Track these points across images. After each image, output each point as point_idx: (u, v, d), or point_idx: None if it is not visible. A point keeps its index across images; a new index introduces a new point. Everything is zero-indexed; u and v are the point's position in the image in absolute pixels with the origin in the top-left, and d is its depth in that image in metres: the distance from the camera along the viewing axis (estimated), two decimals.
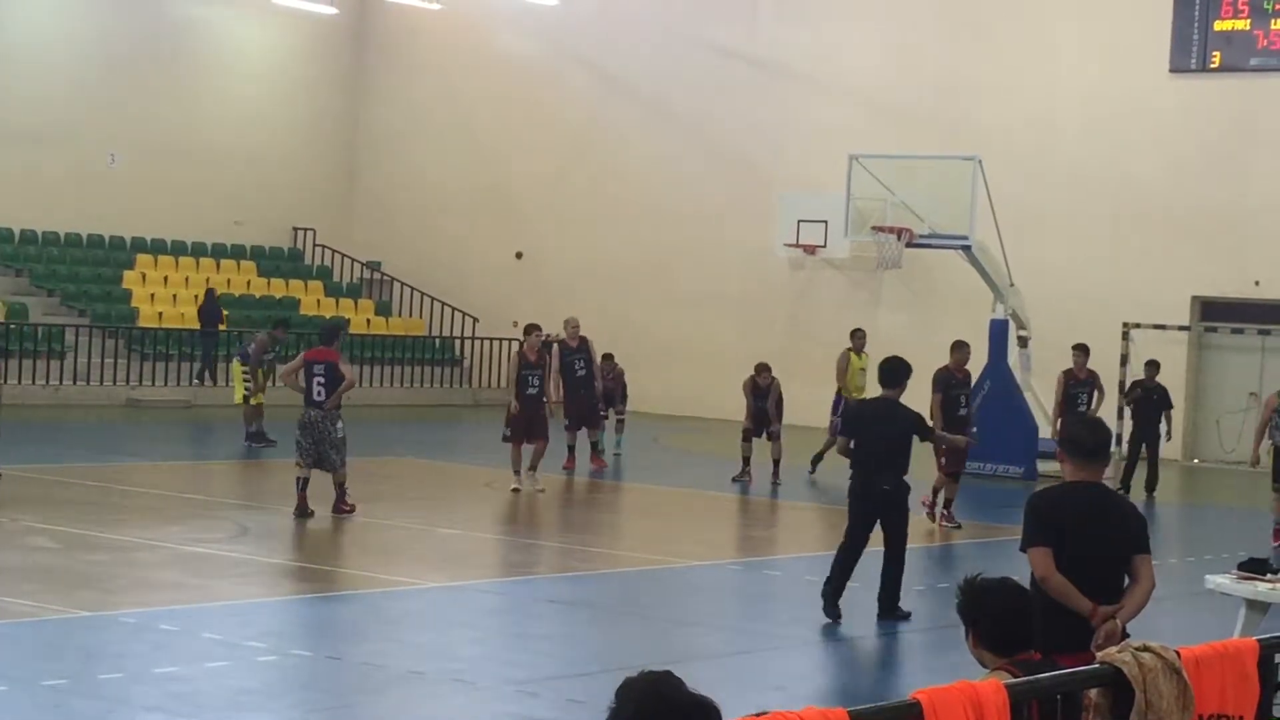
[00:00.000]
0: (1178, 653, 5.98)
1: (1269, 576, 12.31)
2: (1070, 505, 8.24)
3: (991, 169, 28.40)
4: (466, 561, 17.40)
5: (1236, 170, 32.66)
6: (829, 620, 14.65)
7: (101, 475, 22.55)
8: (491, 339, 39.69)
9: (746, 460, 25.11)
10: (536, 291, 40.01)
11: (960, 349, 22.18)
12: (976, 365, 23.44)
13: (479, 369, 39.90)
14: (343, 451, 19.11)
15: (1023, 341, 29.08)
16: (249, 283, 39.27)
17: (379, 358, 38.18)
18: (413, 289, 41.21)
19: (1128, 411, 27.14)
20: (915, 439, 15.21)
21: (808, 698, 11.08)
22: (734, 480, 24.73)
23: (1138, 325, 32.80)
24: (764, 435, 25.16)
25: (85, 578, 15.18)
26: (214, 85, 39.82)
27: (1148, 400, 26.18)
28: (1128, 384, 28.82)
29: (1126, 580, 8.22)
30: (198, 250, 39.15)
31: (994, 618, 6.55)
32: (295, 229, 41.60)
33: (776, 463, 24.94)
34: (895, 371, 15.38)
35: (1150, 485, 25.85)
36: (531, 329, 23.37)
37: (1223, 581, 12.40)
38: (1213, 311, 33.43)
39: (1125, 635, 7.79)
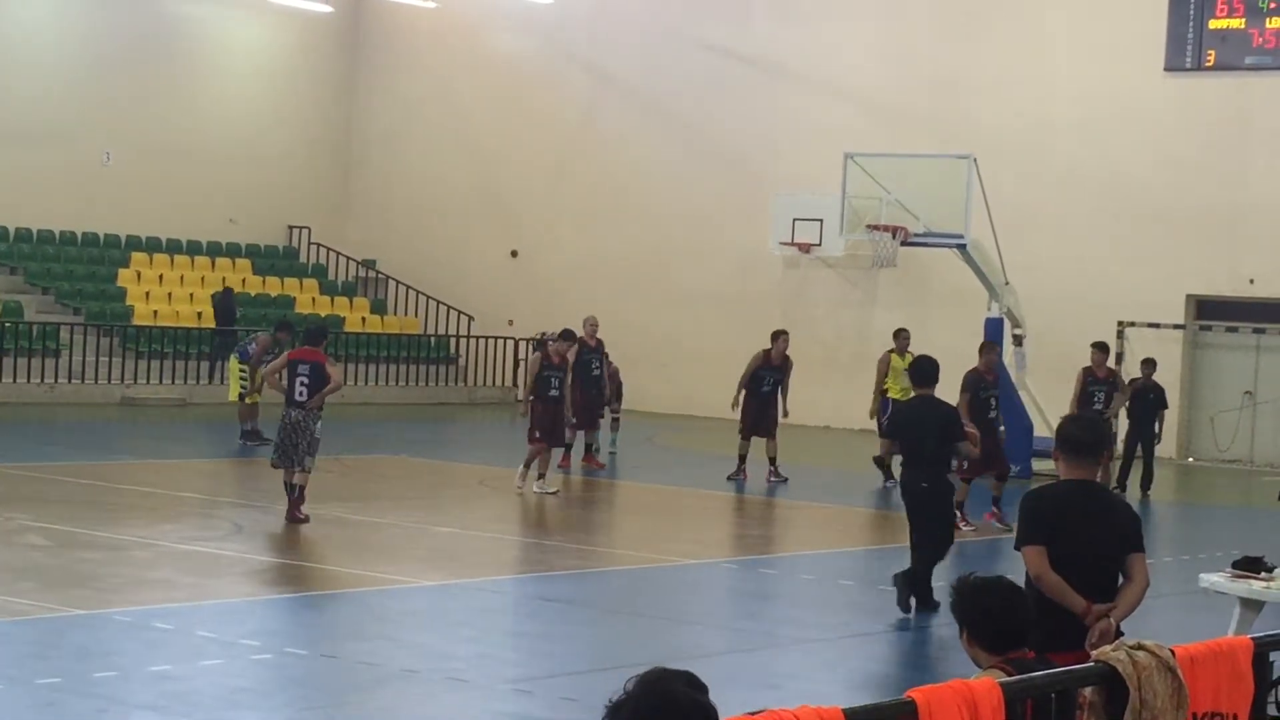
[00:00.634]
0: (1172, 651, 5.98)
1: (1263, 575, 12.32)
2: (1065, 504, 8.25)
3: (986, 168, 28.41)
4: (461, 560, 17.39)
5: (1231, 169, 32.68)
6: (903, 615, 14.96)
7: (96, 474, 22.53)
8: (487, 337, 39.69)
9: (743, 459, 25.00)
10: (531, 290, 40.03)
11: (990, 350, 22.32)
12: (973, 365, 23.37)
13: (474, 367, 39.90)
14: (314, 453, 18.80)
15: (1017, 340, 29.08)
16: (244, 281, 39.23)
17: (374, 356, 38.17)
18: (408, 287, 41.20)
19: (1123, 410, 27.15)
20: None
21: (802, 696, 11.07)
22: (729, 478, 24.65)
23: (1132, 324, 32.84)
24: (766, 431, 24.92)
25: (79, 576, 15.17)
26: (209, 83, 39.80)
27: (1143, 399, 26.20)
28: (1124, 383, 28.82)
29: (1121, 579, 8.23)
30: (193, 248, 39.13)
31: (988, 616, 6.55)
32: (290, 227, 41.58)
33: (773, 459, 24.84)
34: (928, 370, 15.77)
35: (1145, 484, 25.86)
36: (566, 334, 23.21)
37: (1217, 580, 12.40)
38: (1207, 310, 33.45)
39: (1120, 633, 7.80)
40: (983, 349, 22.15)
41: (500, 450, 30.66)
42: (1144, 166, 33.19)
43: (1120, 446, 26.59)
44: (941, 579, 16.03)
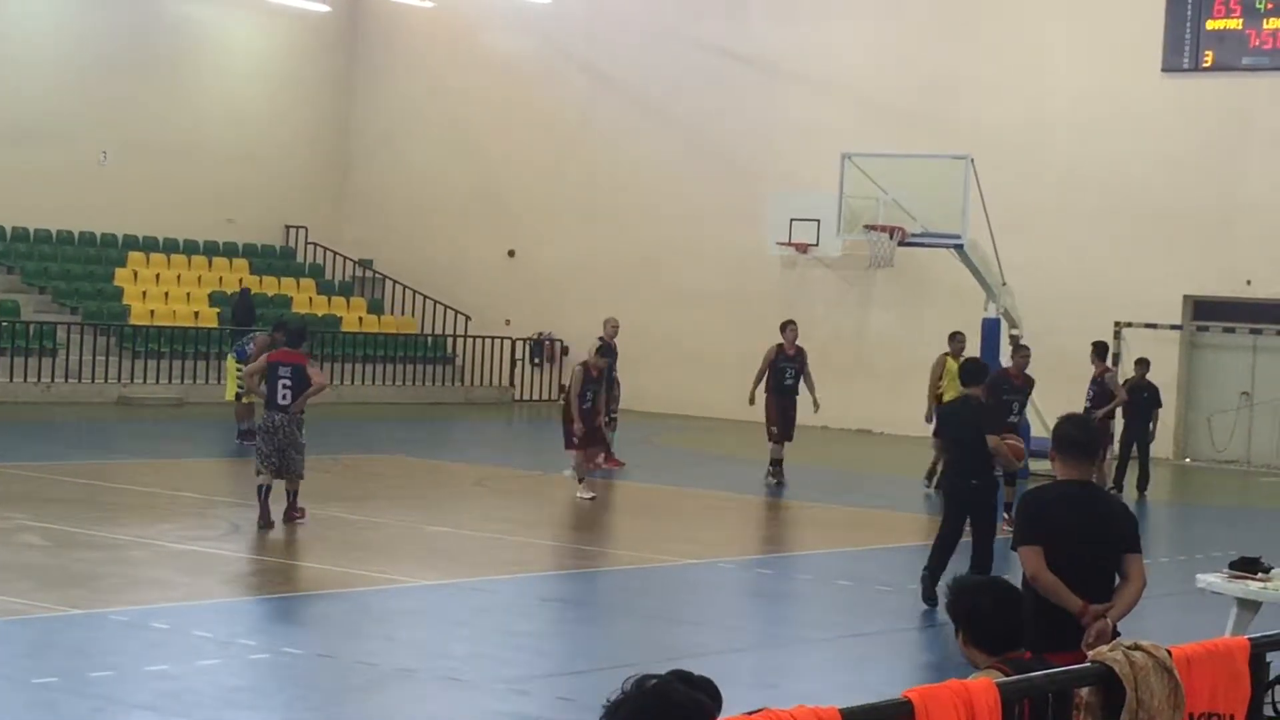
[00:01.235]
0: (1169, 651, 5.98)
1: (1260, 575, 12.32)
2: (1061, 504, 8.25)
3: (983, 168, 28.41)
4: (458, 560, 17.39)
5: (1228, 169, 32.69)
6: (926, 606, 14.93)
7: (93, 473, 22.52)
8: (484, 337, 39.68)
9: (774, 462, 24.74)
10: (529, 290, 40.03)
11: (1020, 352, 22.37)
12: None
13: (471, 367, 39.90)
14: (303, 457, 18.38)
15: (1014, 341, 29.06)
16: (241, 280, 39.21)
17: (371, 356, 38.17)
18: (405, 287, 41.20)
19: (1118, 410, 27.15)
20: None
21: (799, 696, 11.07)
22: (766, 481, 24.50)
23: (1129, 324, 32.85)
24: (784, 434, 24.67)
25: (76, 576, 15.16)
26: (206, 83, 39.78)
27: (1138, 399, 26.22)
28: (1117, 384, 28.82)
29: (1117, 579, 8.23)
30: (189, 248, 39.12)
31: (983, 617, 6.55)
32: (287, 227, 41.57)
33: (780, 462, 24.68)
34: (977, 370, 16.16)
35: (1142, 484, 25.87)
36: (605, 351, 23.10)
37: (1214, 580, 12.41)
38: (1204, 310, 33.45)
39: (1116, 634, 7.80)
40: (1014, 351, 22.19)
41: (497, 450, 30.68)
42: (1141, 167, 33.19)
43: (1116, 447, 26.59)
44: (939, 580, 16.02)
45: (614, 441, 27.94)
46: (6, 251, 36.66)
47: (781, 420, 24.81)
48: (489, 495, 23.24)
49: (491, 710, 11.39)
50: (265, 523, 17.99)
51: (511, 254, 40.58)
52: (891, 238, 28.87)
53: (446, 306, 40.52)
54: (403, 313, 41.10)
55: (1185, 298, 33.32)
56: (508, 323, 40.18)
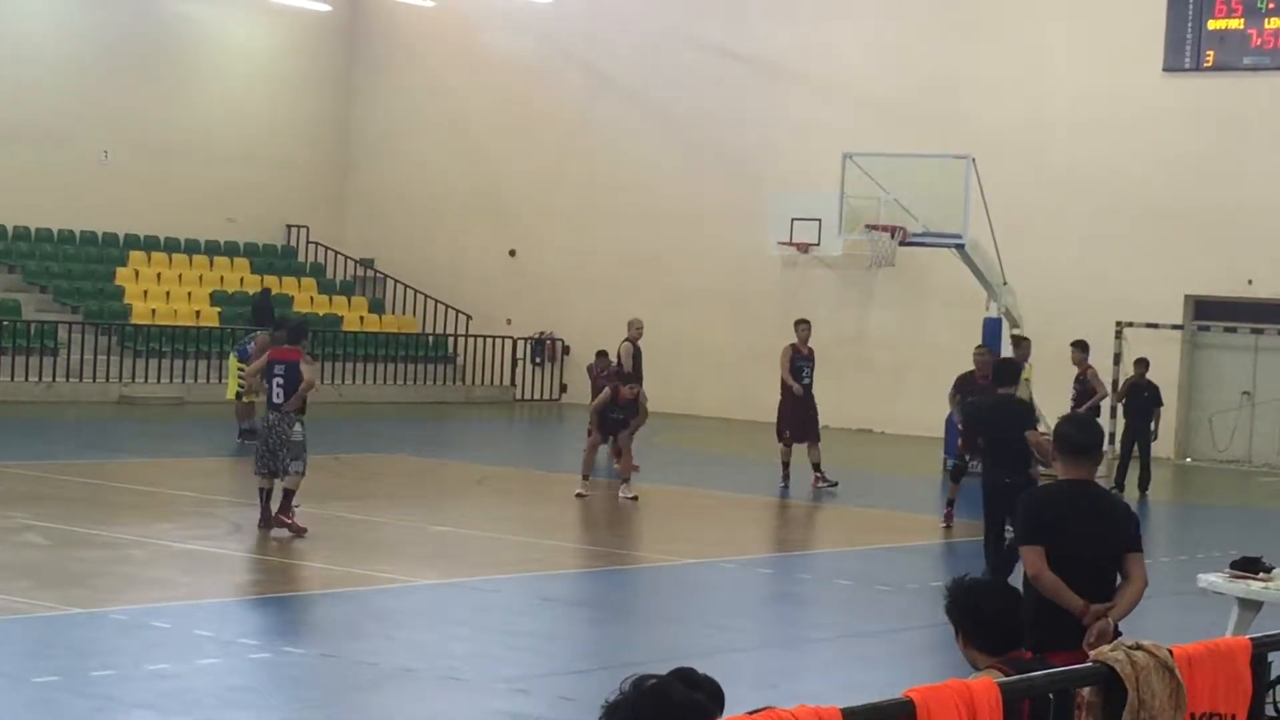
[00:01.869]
0: (1170, 651, 5.98)
1: (1261, 575, 12.31)
2: (1062, 504, 8.25)
3: (985, 167, 28.41)
4: (459, 559, 17.39)
5: (1230, 169, 32.67)
6: None
7: (94, 472, 22.53)
8: (485, 336, 39.69)
9: (785, 465, 24.43)
10: (529, 289, 40.04)
11: (1022, 345, 22.38)
12: (968, 365, 23.37)
13: (472, 366, 39.90)
14: (301, 456, 17.76)
15: (1016, 340, 29.06)
16: (242, 280, 39.24)
17: (372, 355, 38.18)
18: (406, 286, 41.20)
19: (1120, 410, 27.15)
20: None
21: (801, 696, 11.07)
22: (784, 493, 24.16)
23: (1131, 324, 32.83)
24: (807, 435, 24.32)
25: (77, 575, 15.16)
26: (207, 82, 39.79)
27: (1138, 398, 26.21)
28: (1120, 382, 28.84)
29: (1119, 579, 8.22)
30: (191, 247, 39.13)
31: (983, 618, 6.55)
32: (288, 226, 41.58)
33: (818, 465, 24.35)
34: (1010, 370, 16.58)
35: (1143, 484, 25.85)
36: (631, 380, 23.07)
37: (1215, 580, 12.39)
38: (1206, 310, 33.44)
39: (1117, 633, 7.79)
40: (1016, 342, 22.23)
41: (498, 449, 30.68)
42: (1143, 166, 33.18)
43: (1117, 446, 26.59)
44: (938, 580, 16.03)
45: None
46: (8, 251, 36.67)
47: (799, 418, 24.53)
48: (490, 494, 23.25)
49: (492, 709, 11.38)
50: (265, 524, 17.85)
51: (512, 253, 40.59)
52: (893, 237, 28.86)
53: (447, 306, 40.52)
54: (404, 312, 41.11)
55: (1186, 297, 33.31)
56: (509, 322, 40.18)
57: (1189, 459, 33.07)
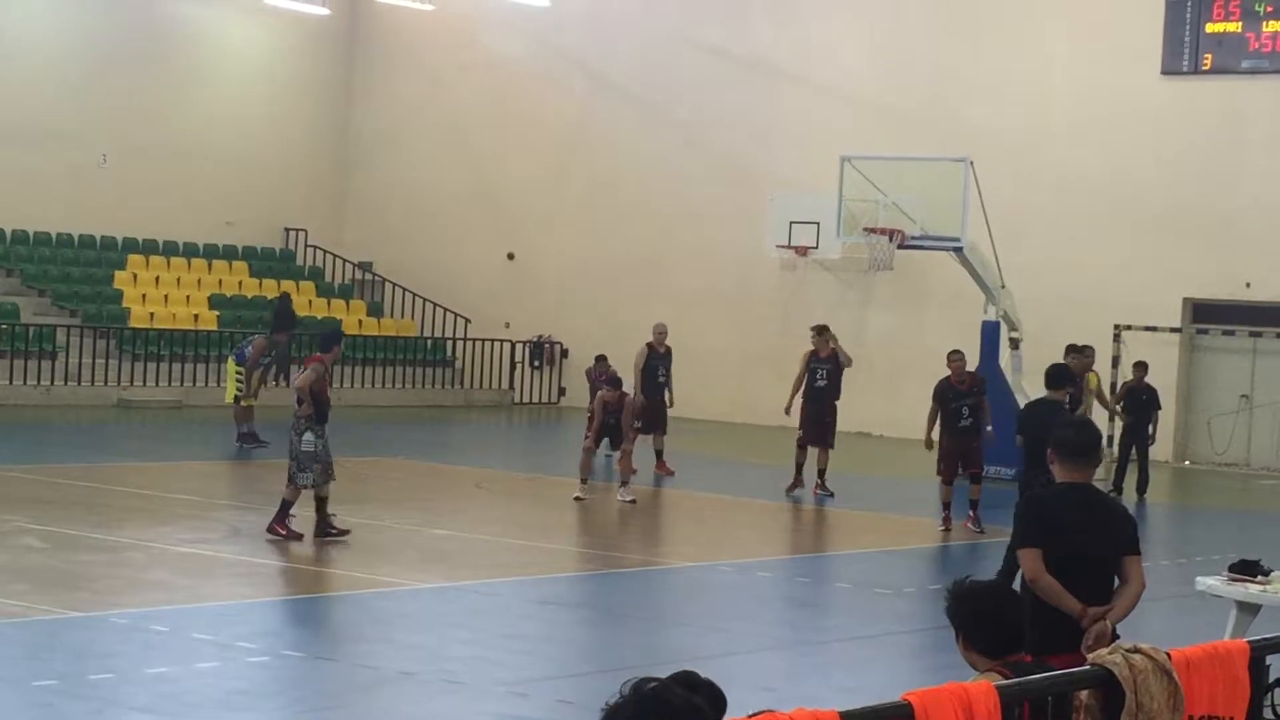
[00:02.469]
0: (1168, 654, 5.98)
1: (1259, 578, 12.32)
2: (1060, 506, 8.25)
3: (983, 170, 28.41)
4: (457, 562, 17.39)
5: (1228, 172, 32.69)
6: None
7: (92, 475, 22.53)
8: (483, 340, 39.69)
9: (799, 468, 24.20)
10: (528, 292, 40.04)
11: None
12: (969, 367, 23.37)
13: (470, 370, 39.90)
14: (309, 467, 17.54)
15: (1014, 343, 29.08)
16: (240, 283, 39.25)
17: (370, 358, 38.16)
18: (404, 290, 41.21)
19: (1118, 412, 27.14)
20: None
21: (799, 699, 11.07)
22: (788, 492, 23.98)
23: (1129, 327, 32.84)
24: (820, 440, 24.04)
25: (76, 578, 15.16)
26: (206, 85, 39.80)
27: (1136, 401, 26.21)
28: (1118, 386, 28.85)
29: (1117, 582, 8.23)
30: (189, 251, 39.14)
31: (983, 620, 6.55)
32: (287, 229, 41.58)
33: (822, 472, 24.16)
34: (1060, 374, 16.59)
35: (1141, 487, 25.85)
36: (619, 382, 23.10)
37: (1213, 583, 12.40)
38: (1204, 313, 33.45)
39: (1115, 636, 7.79)
40: (948, 358, 22.08)
41: (497, 453, 30.69)
42: (1141, 169, 33.19)
43: (1115, 449, 26.59)
44: (936, 583, 16.05)
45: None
46: (6, 254, 36.67)
47: (806, 425, 24.30)
48: (489, 498, 23.25)
49: (491, 713, 11.39)
50: (320, 532, 17.55)
51: (511, 257, 40.59)
52: (891, 240, 28.87)
53: (446, 309, 40.52)
54: (402, 315, 41.11)
55: (1185, 300, 33.32)
56: (507, 325, 40.19)
57: (1187, 462, 33.08)
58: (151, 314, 36.25)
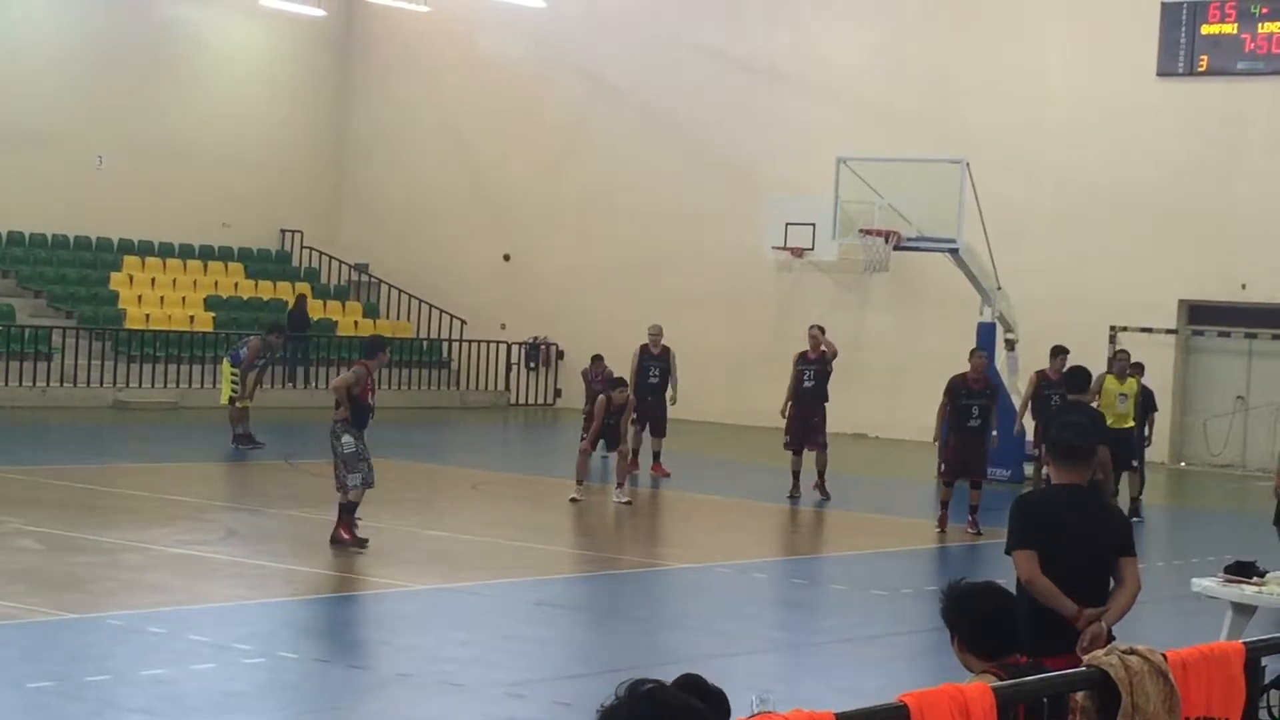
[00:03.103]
0: (1164, 656, 5.99)
1: (1255, 580, 12.33)
2: (1055, 508, 8.26)
3: (979, 172, 28.44)
4: (455, 563, 17.39)
5: (1223, 173, 32.71)
6: None
7: (88, 477, 22.52)
8: (479, 341, 39.68)
9: (795, 474, 23.97)
10: (524, 294, 40.04)
11: (977, 354, 22.28)
12: (962, 369, 23.36)
13: (467, 371, 39.89)
14: (357, 468, 17.34)
15: (1010, 344, 29.10)
16: (236, 285, 39.25)
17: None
18: (400, 291, 41.20)
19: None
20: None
21: (795, 700, 11.09)
22: (789, 498, 23.80)
23: (1125, 328, 32.85)
24: (811, 442, 23.95)
25: (71, 579, 15.16)
26: (202, 87, 39.79)
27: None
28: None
29: (1112, 583, 8.24)
30: (185, 252, 39.13)
31: (978, 622, 6.56)
32: (283, 231, 41.58)
33: (821, 473, 24.05)
34: (1082, 377, 17.16)
35: (1136, 488, 25.83)
36: (618, 382, 23.10)
37: (1209, 584, 12.41)
38: (1199, 314, 33.48)
39: (1111, 638, 7.80)
40: (970, 355, 22.04)
41: (493, 454, 30.69)
42: (1136, 171, 33.22)
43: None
44: (933, 584, 16.05)
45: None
46: (2, 255, 36.67)
47: (797, 429, 24.11)
48: (485, 499, 23.26)
49: (488, 715, 11.39)
50: (334, 538, 17.41)
51: (507, 258, 40.59)
52: (887, 242, 28.90)
53: (442, 311, 40.52)
54: (398, 317, 41.11)
55: (1180, 302, 33.35)
56: (503, 327, 40.19)
57: (1183, 463, 33.10)
58: (147, 315, 36.24)
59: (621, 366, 26.37)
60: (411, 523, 19.71)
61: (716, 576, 17.54)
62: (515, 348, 39.99)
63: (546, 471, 26.38)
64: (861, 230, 29.01)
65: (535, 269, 40.02)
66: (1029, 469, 26.52)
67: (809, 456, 24.15)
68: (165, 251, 38.82)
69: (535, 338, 40.07)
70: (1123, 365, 24.45)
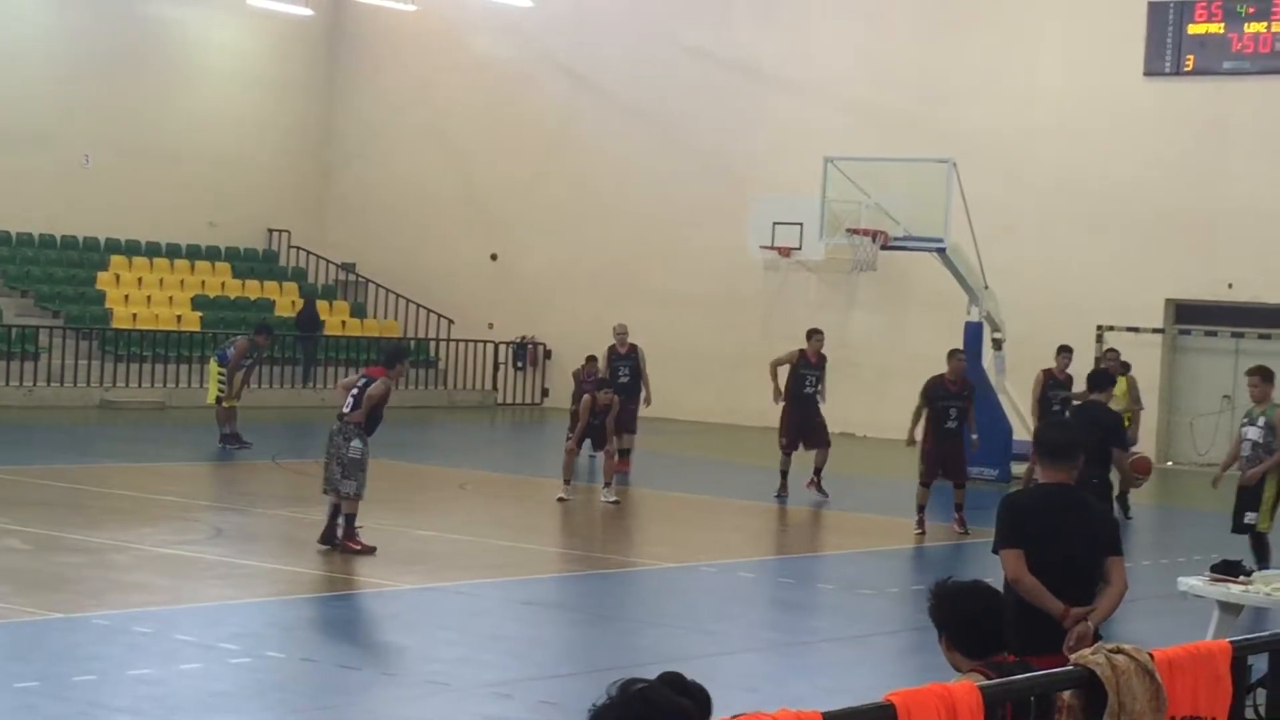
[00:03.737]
0: (1151, 655, 6.00)
1: (1241, 578, 12.34)
2: (1042, 507, 8.27)
3: (966, 171, 28.46)
4: (441, 563, 17.38)
5: (1210, 173, 32.76)
6: None
7: (75, 476, 22.49)
8: (467, 341, 39.67)
9: (784, 474, 23.92)
10: (512, 293, 40.03)
11: (955, 357, 22.21)
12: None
13: (454, 371, 39.87)
14: (356, 476, 17.20)
15: (997, 344, 29.12)
16: (224, 284, 39.21)
17: (354, 359, 38.07)
18: (387, 290, 41.17)
19: None
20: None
21: (781, 700, 11.08)
22: (776, 498, 23.74)
23: (1112, 328, 32.90)
24: (814, 442, 23.90)
25: (58, 579, 15.13)
26: (189, 86, 39.75)
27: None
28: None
29: (1099, 582, 8.24)
30: (172, 252, 39.09)
31: (965, 621, 6.56)
32: (270, 230, 41.54)
33: (819, 470, 24.04)
34: (1102, 379, 17.24)
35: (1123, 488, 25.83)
36: (604, 383, 23.11)
37: (1196, 584, 12.42)
38: (1186, 314, 33.53)
39: (1098, 637, 7.81)
40: (949, 356, 22.00)
41: (480, 454, 30.66)
42: (1123, 170, 33.26)
43: None
44: (920, 584, 16.06)
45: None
46: None
47: (803, 427, 24.06)
48: (472, 499, 23.24)
49: (475, 714, 11.38)
50: (324, 539, 17.29)
51: (494, 257, 40.57)
52: (874, 241, 28.90)
53: (429, 310, 40.50)
54: (385, 316, 41.08)
55: (1167, 301, 33.39)
56: (491, 326, 40.17)
57: (1170, 462, 33.12)
58: (134, 315, 36.20)
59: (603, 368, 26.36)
60: (399, 522, 19.70)
61: (703, 576, 17.54)
62: (503, 347, 39.97)
63: (534, 471, 26.37)
64: (849, 230, 29.01)
65: (523, 268, 40.01)
66: (1017, 468, 26.52)
67: (801, 457, 24.11)
68: (152, 251, 38.78)
69: (523, 337, 40.06)
70: (1112, 365, 24.47)
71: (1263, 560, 16.12)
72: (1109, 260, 33.30)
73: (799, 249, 33.31)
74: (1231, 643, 6.52)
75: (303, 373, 36.91)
